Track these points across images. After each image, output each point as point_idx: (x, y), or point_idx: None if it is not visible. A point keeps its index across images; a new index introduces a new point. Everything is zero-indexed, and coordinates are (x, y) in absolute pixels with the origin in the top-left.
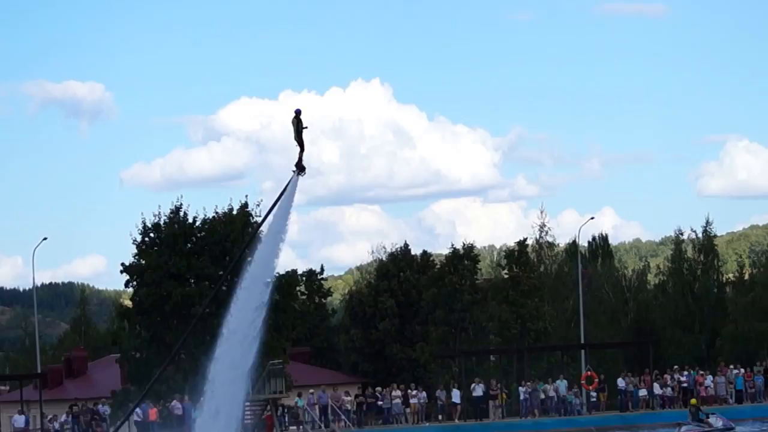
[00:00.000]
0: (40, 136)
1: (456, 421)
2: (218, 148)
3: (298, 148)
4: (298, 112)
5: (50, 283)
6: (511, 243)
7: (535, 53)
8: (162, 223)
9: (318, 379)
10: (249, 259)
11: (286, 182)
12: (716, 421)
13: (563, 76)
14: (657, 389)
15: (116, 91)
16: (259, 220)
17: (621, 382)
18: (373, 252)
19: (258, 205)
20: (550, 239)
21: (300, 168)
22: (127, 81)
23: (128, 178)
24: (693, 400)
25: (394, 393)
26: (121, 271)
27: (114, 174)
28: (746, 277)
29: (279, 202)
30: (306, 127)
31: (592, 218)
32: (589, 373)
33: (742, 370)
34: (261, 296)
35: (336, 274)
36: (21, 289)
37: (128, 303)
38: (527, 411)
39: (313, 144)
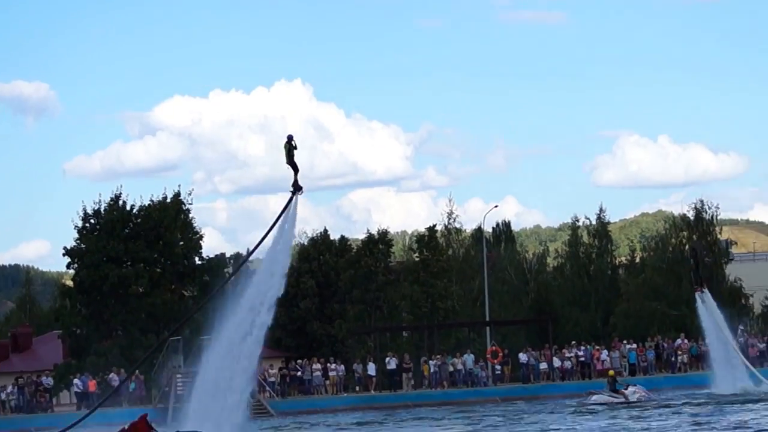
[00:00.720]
0: None
1: (372, 392)
2: (153, 141)
3: (292, 171)
4: (290, 138)
5: None
6: (422, 229)
7: (444, 56)
8: (101, 210)
9: None
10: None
11: (286, 202)
12: (633, 394)
13: (470, 77)
14: (556, 363)
15: (60, 90)
16: (192, 207)
17: (523, 357)
18: (295, 237)
19: (190, 194)
20: (457, 225)
21: (297, 188)
22: (70, 81)
23: (71, 169)
24: (611, 372)
25: (314, 366)
26: (64, 254)
27: (57, 165)
28: (637, 260)
29: (281, 220)
30: (296, 148)
31: (496, 206)
32: (493, 348)
33: (635, 345)
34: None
35: (261, 257)
36: None
37: (70, 283)
38: (437, 383)
39: (240, 138)
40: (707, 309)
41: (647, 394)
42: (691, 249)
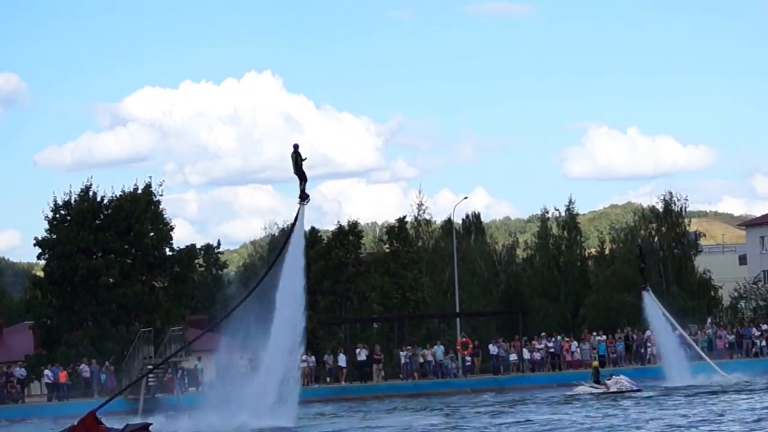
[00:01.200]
0: None
1: (342, 383)
2: (124, 132)
3: (299, 180)
4: (296, 147)
5: None
6: (392, 220)
7: (414, 47)
8: (72, 201)
9: (215, 344)
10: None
11: (296, 213)
12: (614, 385)
13: (439, 69)
14: (526, 354)
15: (30, 81)
16: (162, 198)
17: (493, 348)
18: (265, 228)
19: (161, 185)
20: (427, 217)
21: (303, 197)
22: (40, 72)
23: (41, 160)
24: (594, 363)
25: None
26: (35, 245)
27: (28, 156)
28: (607, 252)
29: (294, 231)
30: (305, 159)
31: (466, 198)
32: (464, 339)
33: (604, 337)
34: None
35: (231, 248)
36: None
37: (41, 274)
38: (407, 374)
39: (210, 129)
40: (653, 308)
41: (631, 384)
42: (638, 248)
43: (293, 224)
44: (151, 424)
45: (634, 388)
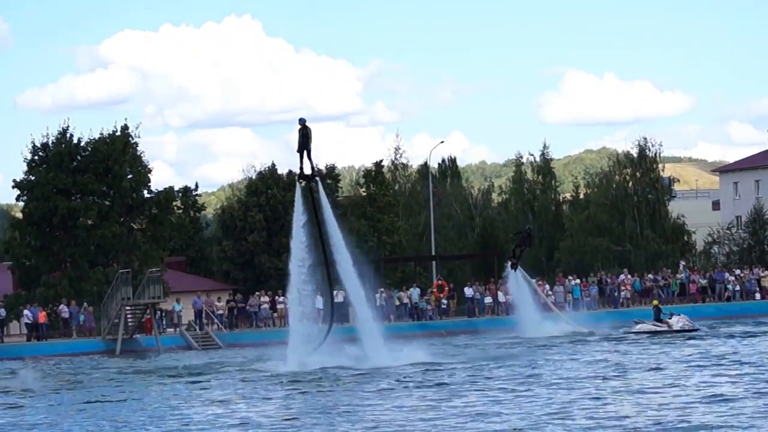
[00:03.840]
0: None
1: (320, 324)
2: (105, 75)
3: (300, 158)
4: (302, 121)
5: None
6: (370, 164)
7: None
8: (49, 143)
9: (193, 285)
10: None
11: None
12: (677, 322)
13: (419, 13)
14: (501, 297)
15: (12, 23)
16: (140, 140)
17: (468, 291)
18: (243, 171)
19: (137, 128)
20: (404, 161)
21: (310, 177)
22: (22, 14)
23: (22, 103)
24: (655, 302)
25: (262, 299)
26: (13, 187)
27: (10, 98)
28: (581, 196)
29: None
30: (308, 136)
31: (442, 142)
32: (439, 282)
33: (578, 281)
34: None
35: (210, 191)
36: None
37: (19, 215)
38: (383, 316)
39: (190, 72)
40: (516, 279)
41: (691, 323)
42: (527, 230)
43: (313, 207)
44: None
45: (695, 327)
